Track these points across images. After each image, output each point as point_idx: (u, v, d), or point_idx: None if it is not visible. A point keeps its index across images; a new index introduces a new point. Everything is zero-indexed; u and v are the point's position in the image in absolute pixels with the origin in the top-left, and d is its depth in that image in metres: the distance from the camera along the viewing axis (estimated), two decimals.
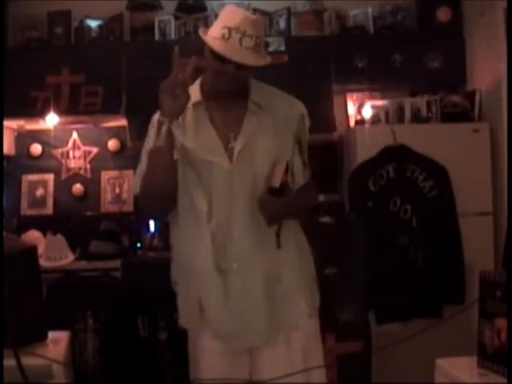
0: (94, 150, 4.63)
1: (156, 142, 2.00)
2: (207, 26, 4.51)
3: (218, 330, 2.11)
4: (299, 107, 2.21)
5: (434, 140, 3.85)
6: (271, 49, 4.21)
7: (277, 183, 2.04)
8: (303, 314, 2.14)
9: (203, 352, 2.15)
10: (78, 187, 4.58)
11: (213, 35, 2.00)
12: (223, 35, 1.97)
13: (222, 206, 2.08)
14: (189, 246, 2.14)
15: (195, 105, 2.10)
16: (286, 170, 2.07)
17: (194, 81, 2.10)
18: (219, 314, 2.10)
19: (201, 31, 2.05)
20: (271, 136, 2.11)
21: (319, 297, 2.24)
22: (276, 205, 2.04)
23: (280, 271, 2.12)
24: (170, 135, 2.00)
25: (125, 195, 4.57)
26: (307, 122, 2.21)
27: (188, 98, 2.00)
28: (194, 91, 2.10)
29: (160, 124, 1.99)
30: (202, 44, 2.05)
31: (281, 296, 2.11)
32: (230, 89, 2.08)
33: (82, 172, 4.60)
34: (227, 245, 2.08)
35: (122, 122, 4.38)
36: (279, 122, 2.13)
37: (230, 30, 1.96)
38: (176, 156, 2.04)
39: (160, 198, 2.11)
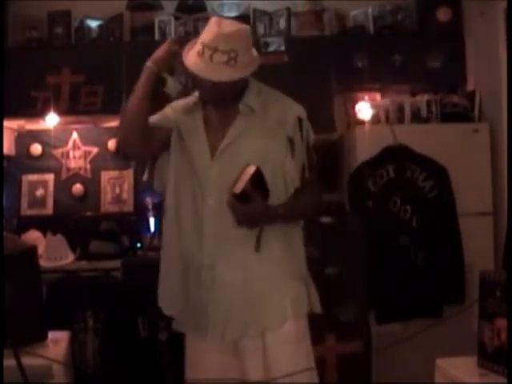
0: (94, 149, 4.62)
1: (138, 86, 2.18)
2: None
3: (185, 321, 2.22)
4: (296, 110, 2.19)
5: (434, 140, 3.85)
6: (271, 49, 4.21)
7: (238, 189, 2.01)
8: (281, 316, 2.12)
9: (188, 348, 2.25)
10: (77, 187, 4.57)
11: (194, 49, 2.07)
12: (198, 51, 2.04)
13: (200, 202, 2.14)
14: (171, 236, 2.23)
15: (194, 104, 2.23)
16: (256, 177, 2.02)
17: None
18: (188, 306, 2.18)
19: (190, 43, 2.13)
20: (260, 139, 2.13)
21: (316, 300, 2.22)
22: (238, 211, 2.05)
23: (257, 273, 2.12)
24: (152, 84, 2.17)
25: (125, 195, 4.57)
26: (306, 125, 2.19)
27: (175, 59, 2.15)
28: (196, 94, 2.23)
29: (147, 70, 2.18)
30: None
31: (256, 297, 2.11)
32: (211, 98, 2.15)
33: (81, 172, 4.60)
34: (203, 241, 2.12)
35: None
36: (271, 125, 2.14)
37: (203, 46, 2.03)
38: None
39: (130, 135, 2.19)
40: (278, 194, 2.12)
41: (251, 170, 2.02)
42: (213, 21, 2.08)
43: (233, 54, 2.01)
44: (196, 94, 2.23)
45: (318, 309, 2.22)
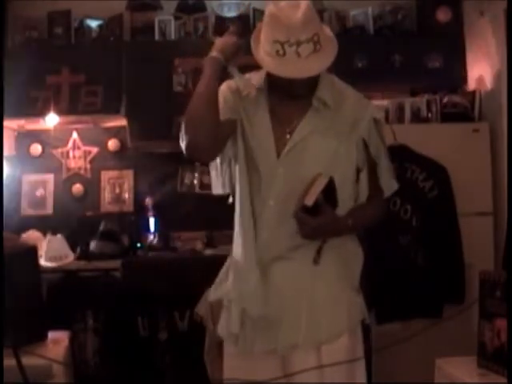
0: (94, 150, 4.63)
1: (205, 79, 1.89)
2: (207, 26, 4.55)
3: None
4: (372, 110, 2.01)
5: (434, 140, 3.84)
6: None
7: (310, 201, 1.85)
8: (338, 329, 1.94)
9: (227, 352, 2.01)
10: (77, 187, 4.58)
11: (266, 50, 1.83)
12: (277, 52, 1.79)
13: (257, 203, 1.95)
14: (237, 236, 2.02)
15: (258, 91, 1.96)
16: (328, 188, 1.87)
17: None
18: (236, 314, 1.96)
19: (252, 40, 1.89)
20: (330, 139, 1.92)
21: (365, 309, 2.03)
22: (309, 225, 1.87)
23: (312, 282, 1.95)
24: (219, 77, 1.90)
25: (125, 195, 4.57)
26: (383, 128, 2.01)
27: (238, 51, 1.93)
28: (259, 78, 1.98)
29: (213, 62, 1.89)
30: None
31: (311, 308, 1.93)
32: (298, 93, 1.94)
33: (82, 172, 4.61)
34: (256, 244, 1.94)
35: (122, 121, 4.38)
36: (343, 125, 1.94)
37: (282, 44, 1.78)
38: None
39: (198, 131, 1.88)
40: (347, 203, 1.95)
41: (324, 181, 1.86)
42: (271, 10, 1.82)
43: (316, 37, 1.79)
44: (256, 76, 1.99)
45: (367, 319, 2.03)
